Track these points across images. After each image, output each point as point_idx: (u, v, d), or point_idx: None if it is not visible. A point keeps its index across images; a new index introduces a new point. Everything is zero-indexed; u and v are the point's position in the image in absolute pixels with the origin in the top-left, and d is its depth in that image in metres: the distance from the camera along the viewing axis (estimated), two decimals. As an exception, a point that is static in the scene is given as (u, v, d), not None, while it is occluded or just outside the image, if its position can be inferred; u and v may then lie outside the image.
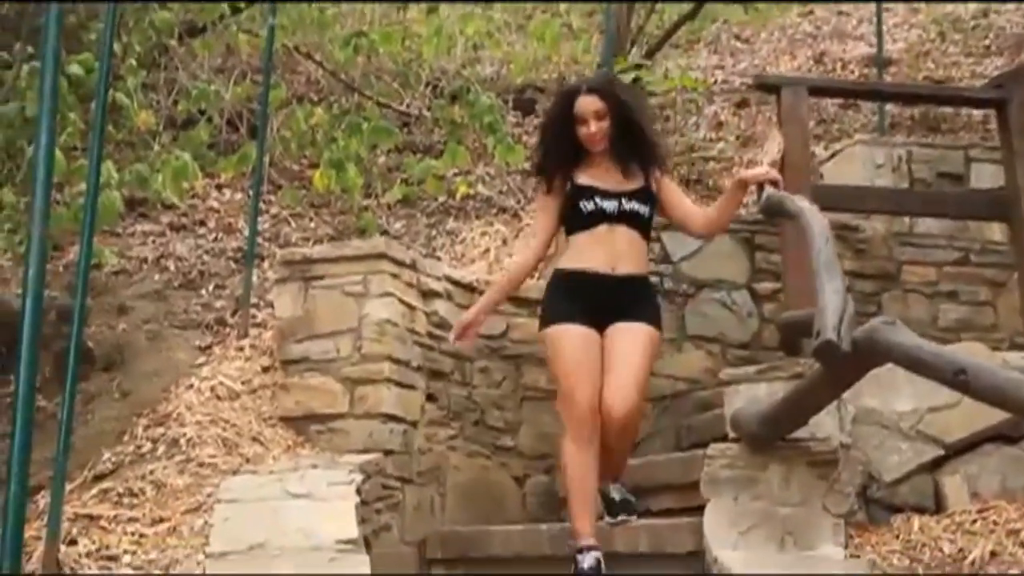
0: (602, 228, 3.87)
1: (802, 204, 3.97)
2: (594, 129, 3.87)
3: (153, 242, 6.03)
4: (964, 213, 6.17)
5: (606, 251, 3.86)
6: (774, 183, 3.86)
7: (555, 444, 4.05)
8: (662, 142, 4.27)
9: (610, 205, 3.88)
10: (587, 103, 3.88)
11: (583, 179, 3.94)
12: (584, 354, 3.79)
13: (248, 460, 4.24)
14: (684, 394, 5.58)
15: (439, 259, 5.93)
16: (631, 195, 3.91)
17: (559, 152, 3.96)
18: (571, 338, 3.81)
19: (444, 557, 4.62)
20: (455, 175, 6.97)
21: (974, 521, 3.86)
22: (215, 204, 6.55)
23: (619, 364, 3.77)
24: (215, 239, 6.16)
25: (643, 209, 3.92)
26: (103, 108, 3.92)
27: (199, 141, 6.48)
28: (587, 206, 3.88)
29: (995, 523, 3.81)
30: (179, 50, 7.43)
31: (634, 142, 3.93)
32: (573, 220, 3.93)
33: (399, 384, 4.60)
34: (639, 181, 3.95)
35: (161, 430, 4.37)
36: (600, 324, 3.85)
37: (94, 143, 3.81)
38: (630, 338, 3.81)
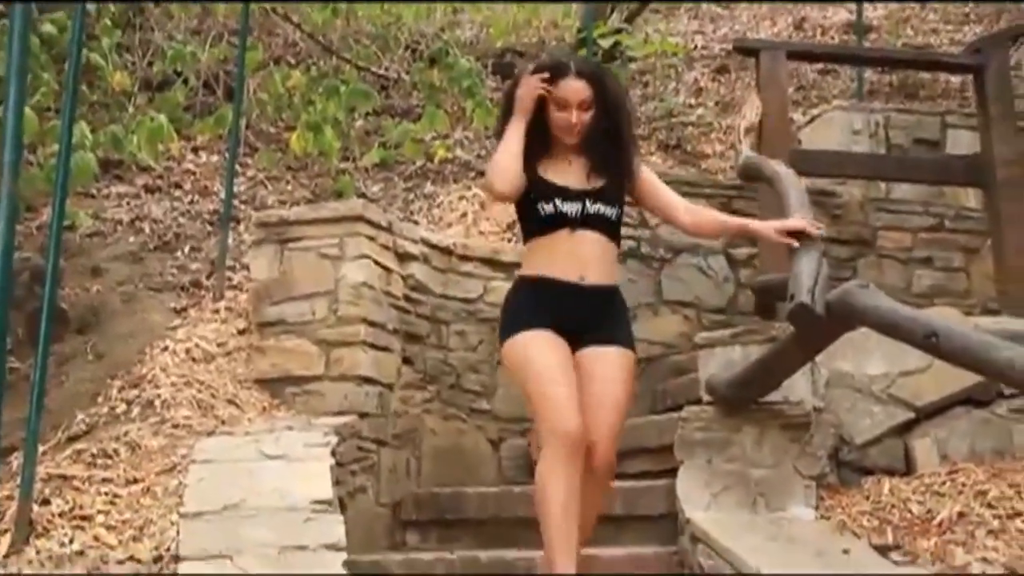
0: (563, 233, 3.34)
1: (779, 168, 3.99)
2: (575, 120, 3.35)
3: (128, 204, 5.99)
4: (940, 179, 6.22)
5: (571, 258, 3.33)
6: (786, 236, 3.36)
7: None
8: (638, 145, 3.61)
9: (572, 208, 3.34)
10: (574, 89, 3.35)
11: (545, 172, 3.40)
12: (562, 363, 3.25)
13: (223, 422, 4.24)
14: (660, 358, 5.61)
15: (416, 222, 5.92)
16: (596, 195, 3.37)
17: (530, 130, 3.40)
18: (544, 346, 3.26)
19: (419, 519, 4.65)
20: (433, 139, 6.95)
21: (943, 483, 3.91)
22: (191, 166, 6.51)
23: (602, 403, 3.26)
24: (191, 201, 6.12)
25: (610, 211, 3.38)
26: (76, 68, 3.88)
27: (175, 103, 6.44)
28: (545, 208, 3.34)
29: (963, 485, 3.86)
30: (154, 10, 7.37)
31: (613, 141, 3.41)
32: (530, 220, 3.41)
33: (375, 347, 4.60)
34: (606, 178, 3.40)
35: (136, 392, 4.35)
36: (569, 339, 3.32)
37: (67, 103, 3.77)
38: (609, 371, 3.31)
